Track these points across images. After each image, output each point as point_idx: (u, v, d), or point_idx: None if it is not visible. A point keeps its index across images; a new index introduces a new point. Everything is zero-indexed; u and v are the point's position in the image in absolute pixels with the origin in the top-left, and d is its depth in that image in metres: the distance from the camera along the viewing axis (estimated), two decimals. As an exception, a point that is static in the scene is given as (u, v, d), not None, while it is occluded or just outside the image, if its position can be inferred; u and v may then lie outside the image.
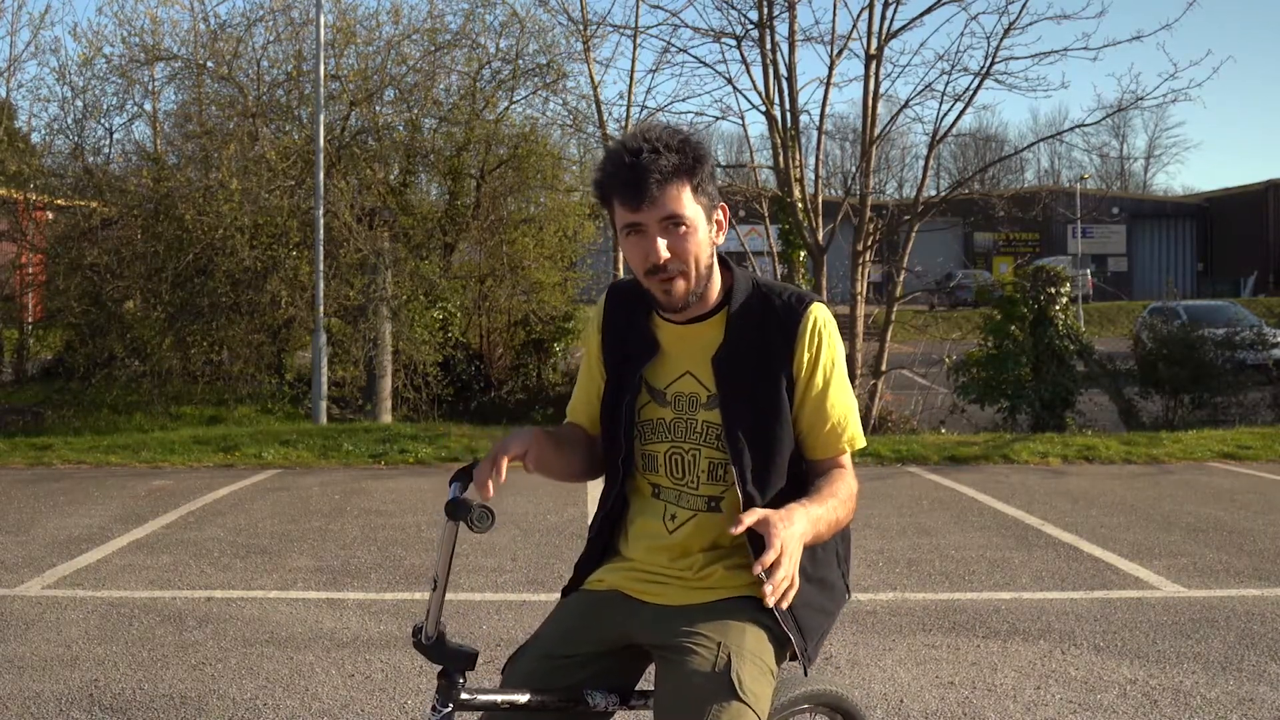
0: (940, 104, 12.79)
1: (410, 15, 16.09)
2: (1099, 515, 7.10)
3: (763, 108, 12.43)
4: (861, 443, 1.98)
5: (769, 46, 12.24)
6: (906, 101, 12.57)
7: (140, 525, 6.74)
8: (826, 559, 2.00)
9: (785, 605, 1.68)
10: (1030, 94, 60.11)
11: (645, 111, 14.96)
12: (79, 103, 14.10)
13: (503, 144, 14.68)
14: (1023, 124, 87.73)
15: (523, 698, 1.87)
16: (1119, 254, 44.36)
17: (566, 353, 15.68)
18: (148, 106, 14.81)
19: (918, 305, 28.02)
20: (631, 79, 15.72)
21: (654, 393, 2.00)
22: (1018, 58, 12.44)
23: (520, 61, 14.64)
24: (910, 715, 3.63)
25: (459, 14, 18.30)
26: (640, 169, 1.81)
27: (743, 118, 14.09)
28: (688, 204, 1.84)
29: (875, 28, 12.06)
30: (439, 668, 1.86)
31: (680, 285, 1.87)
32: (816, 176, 13.13)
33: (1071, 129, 15.96)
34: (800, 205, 12.29)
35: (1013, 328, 12.31)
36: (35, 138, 16.28)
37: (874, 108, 12.31)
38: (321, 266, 12.09)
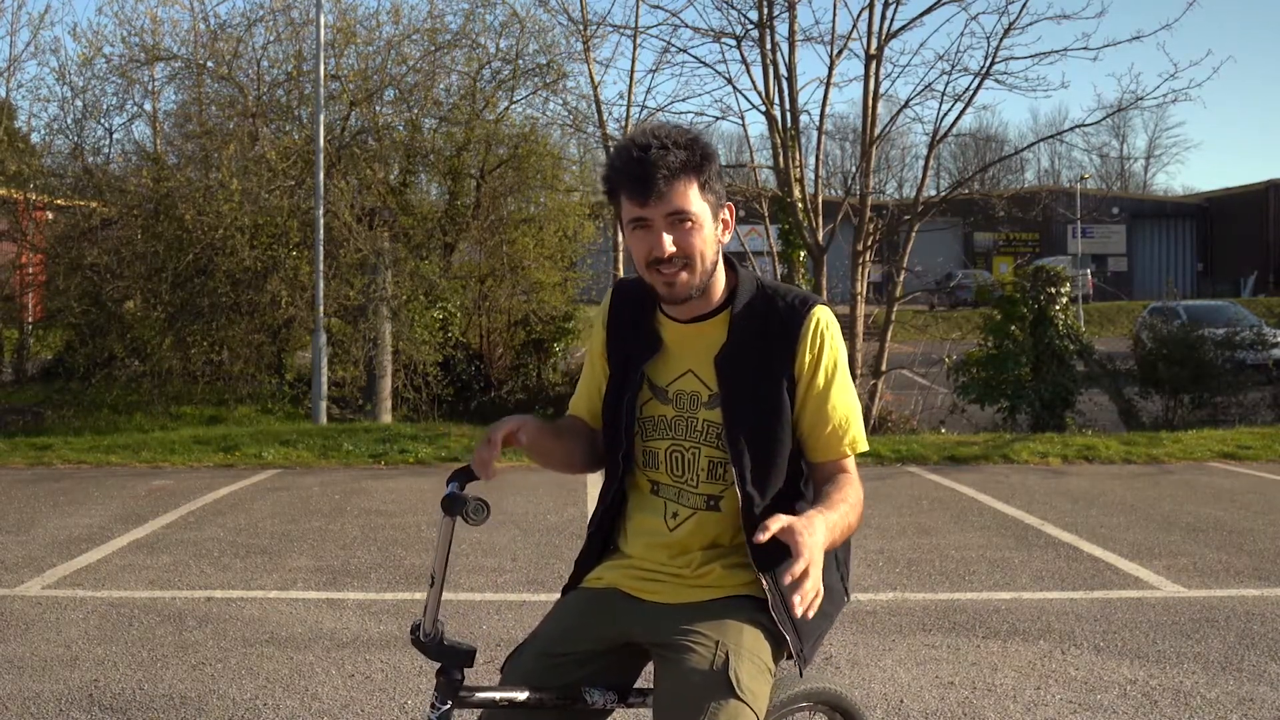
0: (940, 104, 12.82)
1: (410, 15, 16.09)
2: (1099, 515, 7.10)
3: (763, 108, 12.43)
4: (864, 446, 1.98)
5: (769, 46, 12.25)
6: (906, 101, 12.59)
7: (140, 525, 6.74)
8: (826, 563, 1.99)
9: (811, 615, 1.66)
10: (1030, 94, 60.18)
11: (645, 111, 14.99)
12: (79, 103, 14.13)
13: (503, 144, 14.68)
14: (1023, 124, 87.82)
15: (521, 695, 1.88)
16: (1119, 254, 44.36)
17: (566, 353, 15.68)
18: (148, 106, 14.83)
19: (918, 305, 28.05)
20: (631, 79, 15.76)
21: (656, 390, 2.01)
22: (1018, 58, 12.45)
23: (520, 61, 14.66)
24: (910, 715, 3.63)
25: (459, 14, 18.33)
26: (649, 164, 1.82)
27: (743, 118, 14.10)
28: (694, 200, 1.86)
29: (875, 28, 12.07)
30: (438, 665, 1.86)
31: (683, 278, 1.88)
32: (816, 176, 13.14)
33: (1071, 129, 15.95)
34: (800, 205, 12.29)
35: (1013, 328, 12.31)
36: (35, 138, 16.32)
37: (874, 108, 12.31)
38: (321, 266, 12.09)
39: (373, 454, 9.62)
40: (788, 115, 12.38)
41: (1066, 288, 12.63)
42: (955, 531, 6.59)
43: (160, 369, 12.76)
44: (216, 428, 11.46)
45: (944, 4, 12.12)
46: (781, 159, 12.45)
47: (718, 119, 18.08)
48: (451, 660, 1.85)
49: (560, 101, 15.39)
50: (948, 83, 12.67)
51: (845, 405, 1.96)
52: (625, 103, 15.65)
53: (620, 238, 16.26)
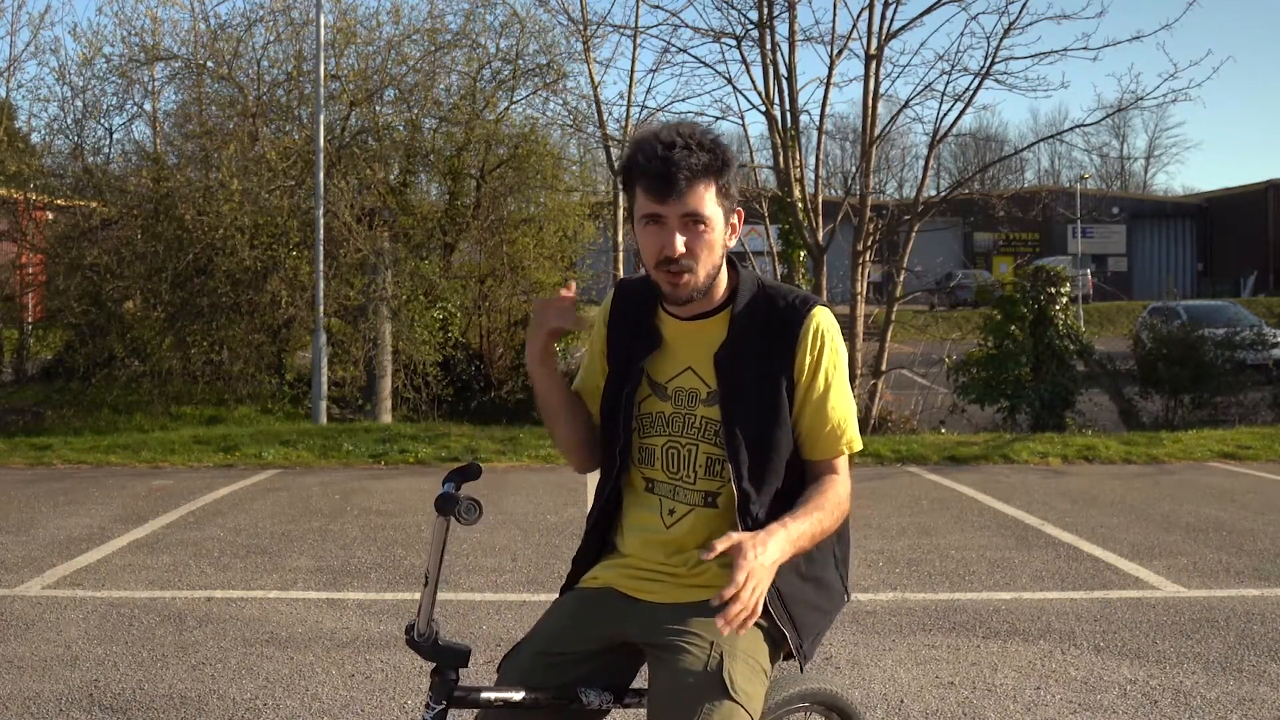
0: (940, 104, 12.76)
1: (410, 15, 16.10)
2: (1099, 515, 7.10)
3: (763, 108, 12.43)
4: (859, 445, 2.00)
5: (769, 46, 12.24)
6: (906, 101, 12.57)
7: (140, 525, 6.74)
8: (823, 559, 2.00)
9: (743, 632, 1.72)
10: (1030, 94, 60.01)
11: (645, 111, 14.98)
12: (79, 103, 14.13)
13: (503, 144, 14.68)
14: (1023, 124, 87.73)
15: (516, 695, 1.88)
16: (1119, 254, 44.35)
17: (566, 353, 15.67)
18: (148, 106, 14.83)
19: (918, 305, 28.03)
20: (631, 79, 15.73)
21: (655, 386, 2.01)
22: (1018, 58, 12.43)
23: (520, 61, 14.67)
24: (910, 715, 3.63)
25: (459, 14, 18.32)
26: (671, 163, 1.83)
27: (743, 118, 14.08)
28: (710, 204, 1.87)
29: (875, 28, 12.06)
30: (433, 665, 1.86)
31: (688, 280, 1.90)
32: (816, 176, 13.13)
33: (1071, 129, 15.99)
34: (800, 205, 12.29)
35: (1013, 328, 12.31)
36: (35, 138, 16.31)
37: (874, 108, 12.31)
38: (321, 266, 12.09)
39: (373, 454, 9.62)
40: (788, 115, 12.38)
41: (1066, 288, 12.63)
42: (955, 531, 6.59)
43: (160, 369, 12.77)
44: (216, 428, 11.46)
45: (944, 4, 12.12)
46: (781, 159, 12.45)
47: (718, 119, 18.01)
48: (446, 660, 1.85)
49: (560, 101, 15.41)
50: (948, 83, 12.67)
51: (843, 407, 1.97)
52: (625, 103, 15.63)
53: (619, 237, 16.27)
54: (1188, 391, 12.36)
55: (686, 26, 13.68)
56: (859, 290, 12.45)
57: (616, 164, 15.24)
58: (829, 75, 12.47)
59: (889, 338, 12.63)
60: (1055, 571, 5.60)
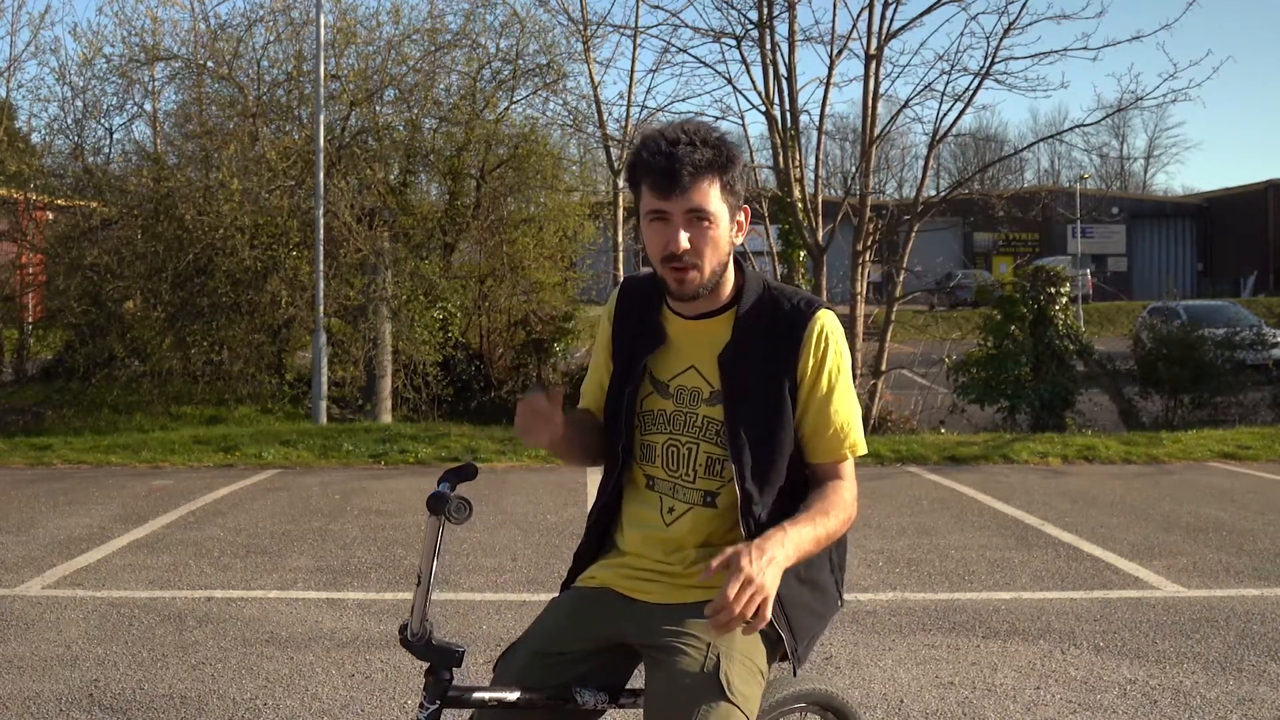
0: (940, 104, 12.77)
1: (410, 15, 16.09)
2: (1099, 515, 7.10)
3: (763, 108, 12.43)
4: (863, 449, 1.99)
5: (769, 46, 12.24)
6: (906, 101, 12.57)
7: (140, 525, 6.74)
8: (819, 562, 2.00)
9: (746, 634, 1.71)
10: (1030, 94, 60.06)
11: (645, 111, 15.00)
12: (79, 103, 14.13)
13: (503, 144, 14.68)
14: (1023, 124, 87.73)
15: (511, 695, 1.88)
16: (1119, 254, 44.34)
17: (566, 353, 15.66)
18: (148, 106, 14.83)
19: (918, 305, 28.02)
20: (631, 79, 15.75)
21: (657, 384, 2.02)
22: (1018, 58, 12.44)
23: (520, 61, 14.66)
24: (910, 715, 3.63)
25: (459, 14, 18.33)
26: (676, 158, 1.84)
27: (742, 118, 14.10)
28: (715, 200, 1.88)
29: (875, 28, 12.07)
30: (427, 665, 1.86)
31: (693, 276, 1.90)
32: (816, 176, 13.13)
33: (1071, 129, 16.01)
34: (800, 205, 12.29)
35: (1013, 328, 12.31)
36: (35, 138, 16.31)
37: (874, 108, 12.31)
38: (321, 266, 12.09)
39: (373, 454, 9.62)
40: (787, 115, 12.38)
41: (1066, 288, 12.63)
42: (955, 531, 6.59)
43: (160, 369, 12.76)
44: (216, 428, 11.46)
45: (944, 4, 12.12)
46: (781, 159, 12.45)
47: (718, 119, 18.03)
48: (439, 660, 1.85)
49: (560, 101, 15.41)
50: (948, 83, 12.67)
51: (847, 409, 1.96)
52: (625, 103, 15.65)
53: (619, 237, 16.27)
54: (1188, 391, 12.36)
55: (686, 26, 13.72)
56: (859, 290, 12.45)
57: (617, 164, 15.26)
58: (829, 75, 12.48)
59: (889, 338, 12.62)
60: (1055, 571, 5.60)
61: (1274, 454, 9.77)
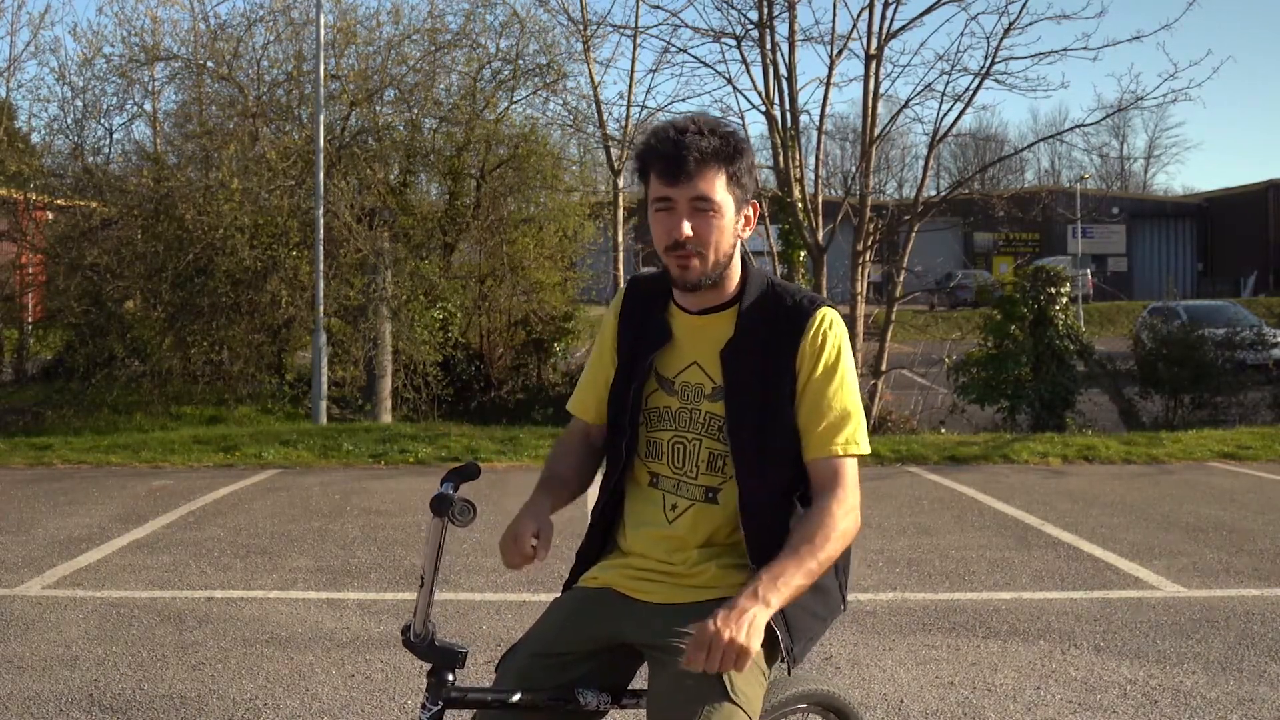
0: (940, 104, 12.75)
1: (410, 15, 16.08)
2: (1099, 515, 7.10)
3: (763, 108, 12.43)
4: (861, 448, 1.94)
5: (769, 46, 12.24)
6: (906, 101, 12.56)
7: (140, 525, 6.74)
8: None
9: (726, 669, 1.70)
10: (1030, 94, 60.01)
11: (645, 111, 15.00)
12: (79, 103, 14.14)
13: (503, 144, 14.68)
14: (1023, 124, 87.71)
15: (513, 696, 1.88)
16: (1119, 254, 44.34)
17: (566, 353, 15.67)
18: (148, 106, 14.84)
19: (918, 305, 28.03)
20: (631, 79, 15.75)
21: (662, 381, 2.02)
22: (1018, 58, 12.43)
23: (520, 61, 14.66)
24: (910, 715, 3.63)
25: (459, 14, 18.30)
26: (682, 146, 1.86)
27: (743, 118, 14.04)
28: (719, 189, 1.89)
29: (875, 28, 12.06)
30: (429, 666, 1.86)
31: (696, 264, 1.91)
32: (816, 176, 13.12)
33: (1071, 129, 16.01)
34: (800, 205, 12.29)
35: (1013, 328, 12.30)
36: (35, 138, 16.32)
37: (874, 108, 12.31)
38: (321, 266, 12.09)
39: (373, 454, 9.62)
40: (788, 115, 12.38)
41: (1066, 288, 12.63)
42: (955, 531, 6.59)
43: (160, 369, 12.77)
44: (216, 428, 11.46)
45: (944, 4, 12.12)
46: (781, 159, 12.45)
47: (718, 119, 18.02)
48: (442, 661, 1.85)
49: (560, 101, 15.42)
50: (948, 83, 12.67)
51: (844, 403, 1.94)
52: (625, 103, 15.65)
53: (619, 237, 16.28)
54: (1188, 391, 12.37)
55: (686, 26, 13.69)
56: (859, 290, 12.45)
57: (617, 164, 15.26)
58: (829, 75, 12.48)
59: (889, 338, 12.62)
60: (1055, 571, 5.60)
61: (1274, 454, 9.77)
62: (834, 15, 22.49)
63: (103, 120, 14.33)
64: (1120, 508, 7.39)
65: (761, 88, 12.34)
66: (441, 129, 14.72)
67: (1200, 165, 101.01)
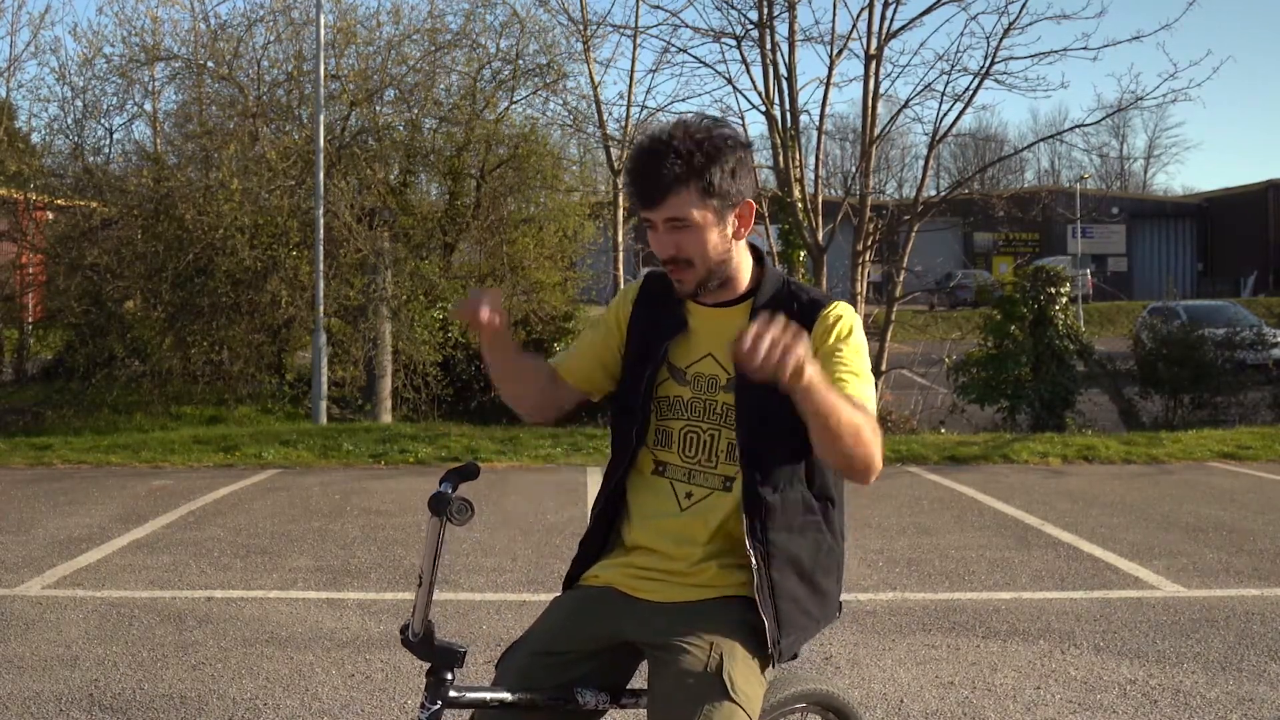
0: (940, 104, 12.72)
1: (410, 15, 16.04)
2: (1099, 515, 7.10)
3: (762, 108, 12.42)
4: (869, 410, 1.88)
5: (769, 46, 12.23)
6: (906, 101, 12.56)
7: (140, 525, 6.74)
8: (827, 566, 2.00)
9: (749, 347, 1.61)
10: (1030, 94, 60.06)
11: (645, 111, 14.98)
12: (79, 103, 14.13)
13: (503, 144, 14.68)
14: (1023, 124, 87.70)
15: (512, 695, 1.88)
16: (1119, 254, 44.33)
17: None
18: (148, 106, 14.84)
19: (918, 305, 28.02)
20: (631, 79, 15.74)
21: (674, 371, 2.04)
22: (1018, 58, 12.41)
23: (520, 61, 14.65)
24: (910, 715, 3.63)
25: (459, 14, 18.30)
26: (643, 175, 1.90)
27: (743, 118, 14.03)
28: (693, 206, 1.90)
29: (875, 28, 12.05)
30: (428, 665, 1.86)
31: (688, 276, 1.96)
32: (816, 176, 13.12)
33: (1071, 129, 15.97)
34: (800, 205, 12.29)
35: (1013, 328, 12.31)
36: (35, 138, 16.32)
37: (874, 108, 12.30)
38: (321, 266, 12.09)
39: (373, 454, 9.62)
40: (788, 115, 12.38)
41: (1066, 288, 12.63)
42: (955, 531, 6.59)
43: (160, 369, 12.77)
44: (216, 428, 11.46)
45: (944, 4, 12.11)
46: (781, 159, 12.44)
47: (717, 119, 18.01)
48: (441, 660, 1.85)
49: (560, 101, 15.40)
50: (948, 83, 12.65)
51: (856, 366, 1.92)
52: (625, 103, 15.64)
53: (619, 237, 16.28)
54: (1188, 391, 12.37)
55: (686, 26, 13.69)
56: (859, 290, 12.45)
57: (617, 164, 15.26)
58: (829, 75, 12.47)
59: (889, 338, 12.63)
60: (1055, 571, 5.60)
61: (1274, 454, 9.77)
62: (834, 15, 22.50)
63: (103, 120, 14.35)
64: (1120, 508, 7.39)
65: (761, 88, 12.34)
66: (441, 129, 14.72)
67: (1200, 165, 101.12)
